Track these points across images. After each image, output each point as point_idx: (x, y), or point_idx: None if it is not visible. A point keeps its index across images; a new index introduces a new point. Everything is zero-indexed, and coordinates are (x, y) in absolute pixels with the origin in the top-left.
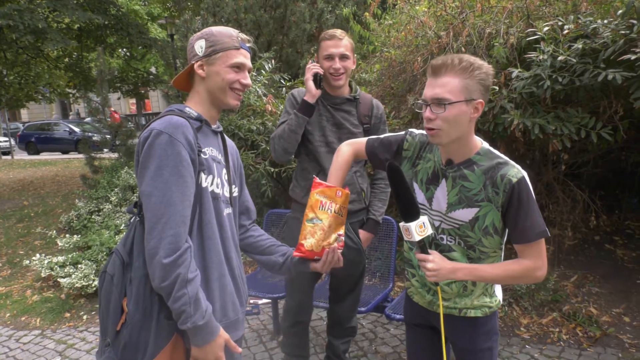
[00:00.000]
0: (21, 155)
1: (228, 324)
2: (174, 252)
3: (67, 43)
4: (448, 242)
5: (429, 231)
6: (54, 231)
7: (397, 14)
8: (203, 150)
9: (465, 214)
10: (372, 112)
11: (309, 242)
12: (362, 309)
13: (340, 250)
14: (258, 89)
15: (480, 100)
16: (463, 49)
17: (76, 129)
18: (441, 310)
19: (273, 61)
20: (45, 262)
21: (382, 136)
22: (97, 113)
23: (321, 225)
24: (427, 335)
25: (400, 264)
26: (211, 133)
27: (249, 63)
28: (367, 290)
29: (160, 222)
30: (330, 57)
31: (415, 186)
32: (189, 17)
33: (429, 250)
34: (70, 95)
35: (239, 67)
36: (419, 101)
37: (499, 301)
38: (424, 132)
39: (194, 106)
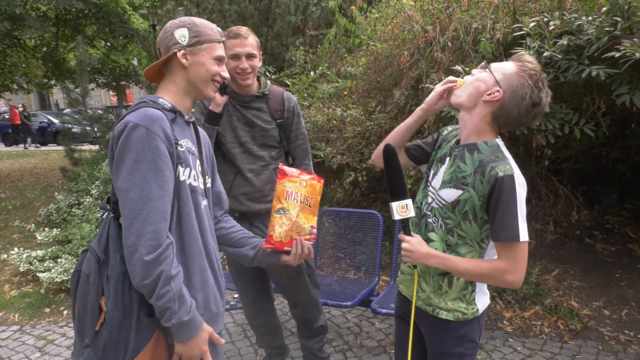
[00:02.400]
0: None
1: (210, 317)
2: (155, 249)
3: (46, 30)
4: (432, 222)
5: (411, 214)
6: (33, 225)
7: (383, 7)
8: (179, 142)
9: (450, 194)
10: (284, 106)
11: (277, 232)
12: (348, 303)
13: (311, 244)
14: None
15: (498, 89)
16: (449, 44)
17: (55, 120)
18: (414, 296)
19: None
20: (24, 256)
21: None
22: (76, 104)
23: (289, 215)
24: (409, 327)
25: (385, 259)
26: (185, 124)
27: (226, 57)
28: (353, 284)
29: (139, 217)
30: (236, 57)
31: (431, 171)
32: (171, 8)
33: (412, 234)
34: (48, 85)
35: (220, 60)
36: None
37: (477, 310)
38: (457, 126)
39: (167, 97)
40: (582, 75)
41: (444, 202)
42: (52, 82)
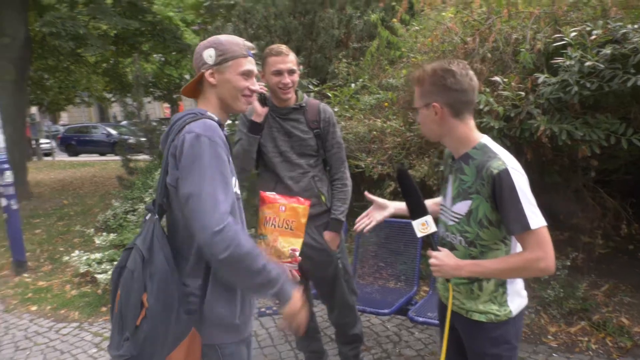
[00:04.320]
0: (61, 157)
1: (244, 320)
2: (232, 242)
3: (106, 48)
4: (451, 240)
5: (432, 229)
6: (92, 229)
7: (424, 20)
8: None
9: (462, 207)
10: (320, 117)
11: None
12: (386, 310)
13: (294, 266)
14: None
15: (435, 103)
16: (489, 55)
17: (113, 132)
18: (449, 306)
19: (302, 66)
20: (84, 258)
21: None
22: (132, 116)
23: (266, 240)
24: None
25: (425, 268)
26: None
27: (255, 69)
28: (392, 292)
29: (213, 217)
30: (279, 73)
31: (442, 194)
32: (220, 24)
33: (439, 248)
34: (107, 99)
35: (247, 74)
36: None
37: (510, 312)
38: None
39: (209, 110)
40: (628, 84)
41: (459, 217)
42: (111, 95)
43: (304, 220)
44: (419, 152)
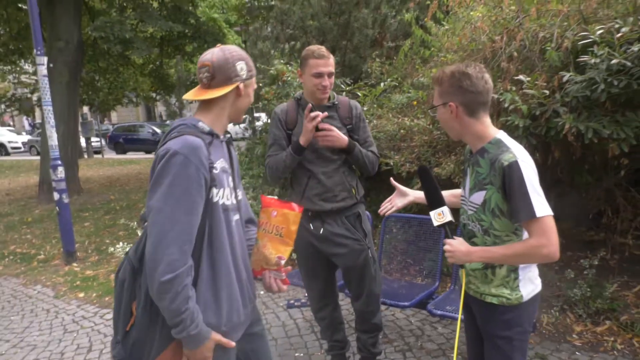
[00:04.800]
0: (110, 155)
1: (232, 327)
2: (173, 272)
3: (151, 51)
4: (472, 228)
5: (447, 218)
6: (136, 222)
7: (454, 19)
8: (214, 165)
9: (478, 197)
10: (352, 113)
11: (251, 260)
12: (405, 303)
13: (281, 276)
14: None
15: (451, 102)
16: (515, 53)
17: (158, 131)
18: (462, 290)
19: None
20: (128, 249)
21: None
22: (175, 116)
23: (258, 245)
24: (467, 313)
25: (446, 263)
26: (219, 144)
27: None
28: (417, 288)
29: (165, 238)
30: (319, 75)
31: (462, 187)
32: (258, 26)
33: (454, 237)
34: (153, 99)
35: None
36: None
37: (521, 297)
38: None
39: (210, 120)
40: None
41: (476, 206)
42: (157, 95)
43: (294, 227)
44: (446, 150)
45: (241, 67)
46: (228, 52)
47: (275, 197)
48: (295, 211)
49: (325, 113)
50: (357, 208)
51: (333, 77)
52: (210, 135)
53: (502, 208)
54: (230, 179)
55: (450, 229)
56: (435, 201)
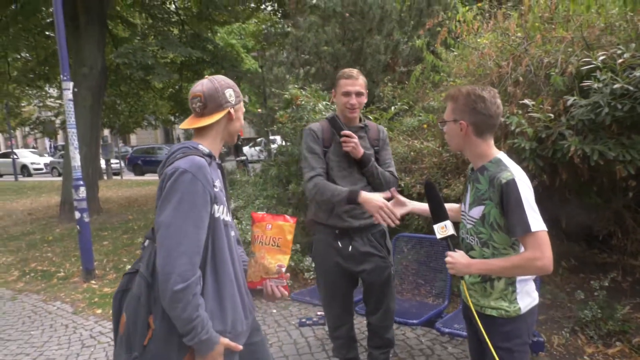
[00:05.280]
0: (129, 176)
1: (235, 335)
2: (185, 281)
3: (171, 76)
4: (470, 242)
5: (450, 232)
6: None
7: (462, 45)
8: (214, 183)
9: (477, 212)
10: (380, 136)
11: (249, 273)
12: (414, 321)
13: (282, 283)
14: None
15: (462, 121)
16: (521, 78)
17: None
18: (468, 299)
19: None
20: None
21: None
22: (192, 138)
23: (255, 258)
24: (470, 328)
25: (456, 283)
26: (216, 165)
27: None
28: (425, 307)
29: (176, 250)
30: (347, 94)
31: (463, 202)
32: (274, 52)
33: (455, 249)
34: (172, 122)
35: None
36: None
37: (519, 309)
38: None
39: (207, 143)
40: None
41: (474, 220)
42: (175, 119)
43: (290, 237)
44: (455, 171)
45: (230, 93)
46: (216, 81)
47: (265, 212)
48: (290, 222)
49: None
50: (382, 226)
51: (363, 98)
52: (209, 157)
53: (499, 223)
54: (224, 198)
55: (452, 243)
56: (439, 215)
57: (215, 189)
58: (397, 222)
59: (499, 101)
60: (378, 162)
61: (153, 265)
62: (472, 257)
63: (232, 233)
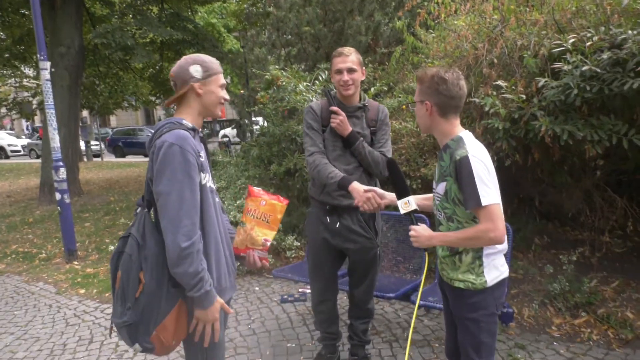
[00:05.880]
0: (109, 158)
1: (220, 290)
2: (190, 239)
3: (151, 57)
4: (438, 217)
5: (412, 207)
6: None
7: (441, 27)
8: (200, 153)
9: (441, 187)
10: (378, 116)
11: (235, 240)
12: (391, 294)
13: (265, 255)
14: (313, 98)
15: (427, 101)
16: (495, 60)
17: None
18: (425, 271)
19: (327, 71)
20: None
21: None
22: None
23: (245, 228)
24: (444, 300)
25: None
26: (199, 138)
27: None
28: (403, 282)
29: (179, 214)
30: (339, 72)
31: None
32: (255, 32)
33: (419, 224)
34: (153, 103)
35: (223, 87)
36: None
37: (485, 282)
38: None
39: (187, 117)
40: (625, 87)
41: (440, 195)
42: (156, 99)
43: (279, 216)
44: (432, 151)
45: (196, 69)
46: (184, 60)
47: (262, 189)
48: (282, 203)
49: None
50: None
51: (357, 74)
52: (193, 130)
53: (459, 197)
54: (209, 167)
55: (414, 217)
56: (401, 191)
57: (201, 159)
58: (381, 209)
59: (462, 83)
60: (372, 142)
61: (144, 228)
62: (441, 232)
63: (217, 199)
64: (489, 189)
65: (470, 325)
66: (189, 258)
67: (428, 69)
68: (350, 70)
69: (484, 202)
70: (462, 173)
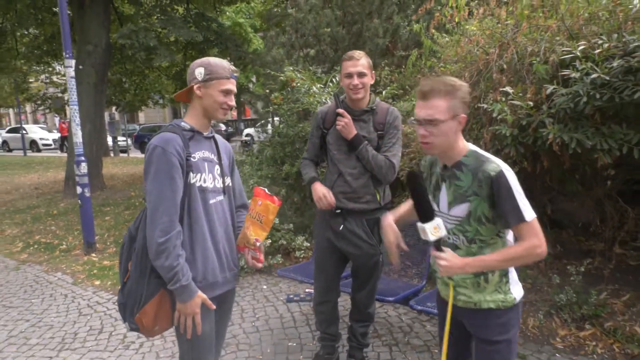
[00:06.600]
0: (135, 154)
1: (207, 284)
2: (166, 234)
3: (173, 58)
4: (454, 242)
5: (443, 232)
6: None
7: (457, 31)
8: (192, 155)
9: (461, 210)
10: (386, 119)
11: (239, 237)
12: (390, 298)
13: (256, 255)
14: (327, 100)
15: (463, 115)
16: (505, 66)
17: None
18: (450, 302)
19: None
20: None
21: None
22: None
23: (244, 226)
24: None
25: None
26: (204, 139)
27: (235, 89)
28: (408, 286)
29: (157, 211)
30: (349, 75)
31: (430, 198)
32: (274, 34)
33: (443, 248)
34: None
35: (227, 92)
36: (413, 119)
37: (514, 298)
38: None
39: (190, 118)
40: (635, 96)
41: (459, 218)
42: None
43: (272, 217)
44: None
45: (199, 72)
46: (196, 61)
47: (265, 189)
48: (275, 204)
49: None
50: (379, 213)
51: (367, 78)
52: (191, 131)
53: (488, 216)
54: (216, 167)
55: (441, 243)
56: (426, 212)
57: (193, 160)
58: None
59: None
60: (378, 146)
61: (139, 223)
62: (474, 257)
63: (219, 197)
64: (527, 202)
65: (502, 349)
66: (165, 252)
67: (448, 79)
68: (361, 75)
69: (527, 217)
70: (501, 190)
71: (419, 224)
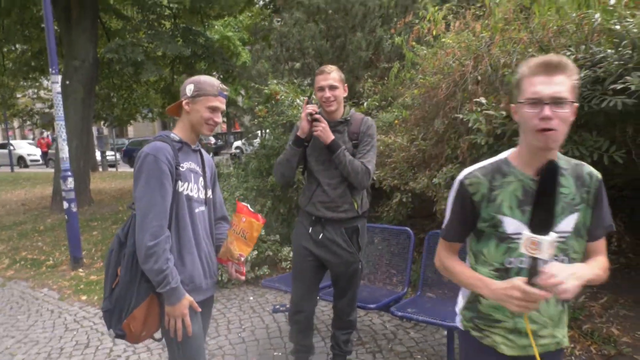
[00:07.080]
0: (124, 168)
1: (194, 287)
2: (155, 238)
3: (160, 72)
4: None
5: (544, 253)
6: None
7: (438, 44)
8: (181, 165)
9: (568, 223)
10: (360, 129)
11: (221, 250)
12: (372, 305)
13: (239, 269)
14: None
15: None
16: (480, 77)
17: None
18: (536, 354)
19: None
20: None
21: (446, 218)
22: None
23: (227, 240)
24: None
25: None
26: (191, 151)
27: (223, 107)
28: (383, 292)
29: (147, 217)
30: (321, 89)
31: (503, 218)
32: (259, 47)
33: (543, 267)
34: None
35: (213, 109)
36: (531, 99)
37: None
38: (478, 164)
39: (178, 131)
40: (602, 105)
41: (566, 234)
42: None
43: (255, 234)
44: (421, 165)
45: (189, 88)
46: (188, 79)
47: (248, 205)
48: (259, 222)
49: (315, 106)
50: (357, 222)
51: (338, 91)
52: (180, 143)
53: (588, 227)
54: (200, 179)
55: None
56: (546, 223)
57: (182, 169)
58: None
59: None
60: (353, 155)
61: (128, 229)
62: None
63: (201, 208)
64: None
65: None
66: (154, 256)
67: (561, 58)
68: (332, 87)
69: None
70: (602, 194)
71: (529, 235)
